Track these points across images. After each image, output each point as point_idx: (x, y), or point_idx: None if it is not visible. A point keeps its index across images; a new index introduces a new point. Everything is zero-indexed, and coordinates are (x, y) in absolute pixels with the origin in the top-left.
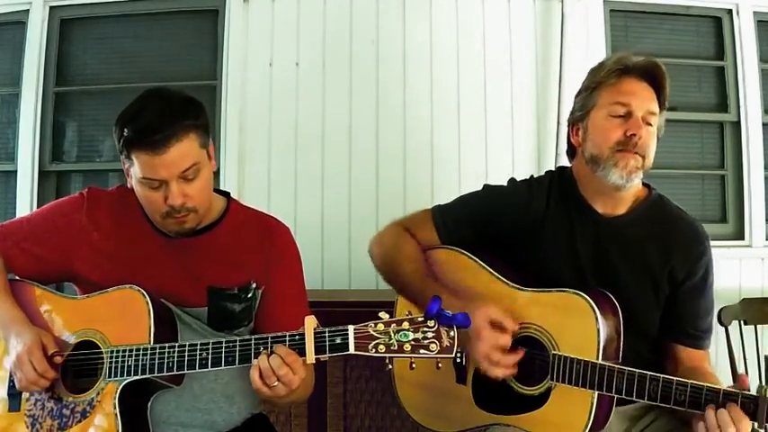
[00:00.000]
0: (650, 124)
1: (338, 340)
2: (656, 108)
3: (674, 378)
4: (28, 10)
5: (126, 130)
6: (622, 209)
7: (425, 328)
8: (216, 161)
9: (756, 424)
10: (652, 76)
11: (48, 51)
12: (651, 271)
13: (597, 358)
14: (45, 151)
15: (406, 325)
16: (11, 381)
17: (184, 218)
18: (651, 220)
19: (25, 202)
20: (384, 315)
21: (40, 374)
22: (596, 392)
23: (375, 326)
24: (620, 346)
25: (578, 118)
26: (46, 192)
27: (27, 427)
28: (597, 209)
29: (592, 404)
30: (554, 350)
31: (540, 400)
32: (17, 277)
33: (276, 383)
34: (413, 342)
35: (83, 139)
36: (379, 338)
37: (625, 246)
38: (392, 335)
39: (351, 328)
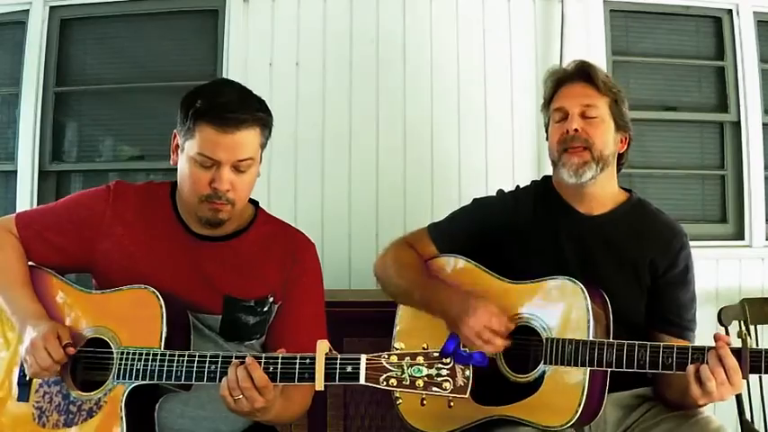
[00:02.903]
0: (590, 116)
1: (349, 369)
2: (593, 100)
3: (660, 343)
4: (28, 10)
5: (200, 101)
6: (601, 209)
7: (440, 365)
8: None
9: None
10: (583, 74)
11: (48, 51)
12: (632, 262)
13: (588, 335)
14: (45, 151)
15: (420, 359)
16: (21, 370)
17: (222, 206)
18: (630, 221)
19: (25, 202)
20: (399, 345)
21: (55, 361)
22: (588, 373)
23: (389, 357)
24: (610, 336)
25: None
26: (46, 192)
27: (34, 419)
28: (578, 209)
29: (584, 386)
30: (547, 335)
31: (535, 385)
32: (33, 264)
33: (240, 397)
34: (426, 378)
35: (83, 139)
36: (391, 371)
37: (607, 241)
38: (405, 369)
39: (363, 357)
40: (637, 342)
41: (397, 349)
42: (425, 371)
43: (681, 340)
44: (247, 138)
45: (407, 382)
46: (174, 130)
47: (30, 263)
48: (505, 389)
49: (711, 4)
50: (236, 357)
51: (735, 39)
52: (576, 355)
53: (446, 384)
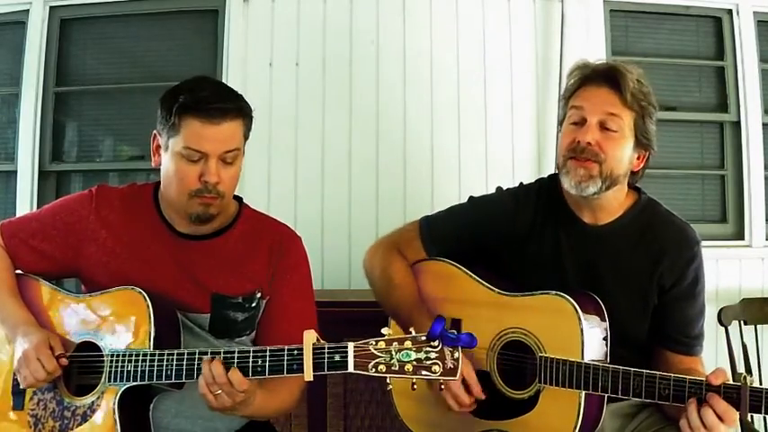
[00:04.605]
0: (610, 129)
1: (337, 357)
2: (616, 110)
3: (657, 373)
4: (28, 10)
5: (182, 96)
6: (608, 217)
7: (428, 348)
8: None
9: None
10: (611, 79)
11: (48, 51)
12: (640, 282)
13: (582, 358)
14: (45, 151)
15: (408, 344)
16: (15, 379)
17: (212, 200)
18: (639, 227)
19: (25, 202)
20: (387, 331)
21: (48, 372)
22: (583, 392)
23: (376, 344)
24: (608, 346)
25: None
26: (46, 192)
27: (30, 427)
28: (583, 218)
29: (579, 404)
30: (541, 352)
31: (530, 403)
32: (21, 272)
33: (219, 392)
34: (415, 362)
35: (83, 139)
36: (379, 357)
37: (612, 256)
38: (393, 354)
39: (351, 345)
40: (633, 369)
41: (384, 335)
42: (414, 355)
43: (687, 357)
44: (233, 128)
45: (396, 368)
46: (154, 131)
47: (17, 271)
48: (502, 404)
49: (711, 4)
50: (226, 352)
51: (735, 39)
52: (569, 377)
53: (435, 368)
